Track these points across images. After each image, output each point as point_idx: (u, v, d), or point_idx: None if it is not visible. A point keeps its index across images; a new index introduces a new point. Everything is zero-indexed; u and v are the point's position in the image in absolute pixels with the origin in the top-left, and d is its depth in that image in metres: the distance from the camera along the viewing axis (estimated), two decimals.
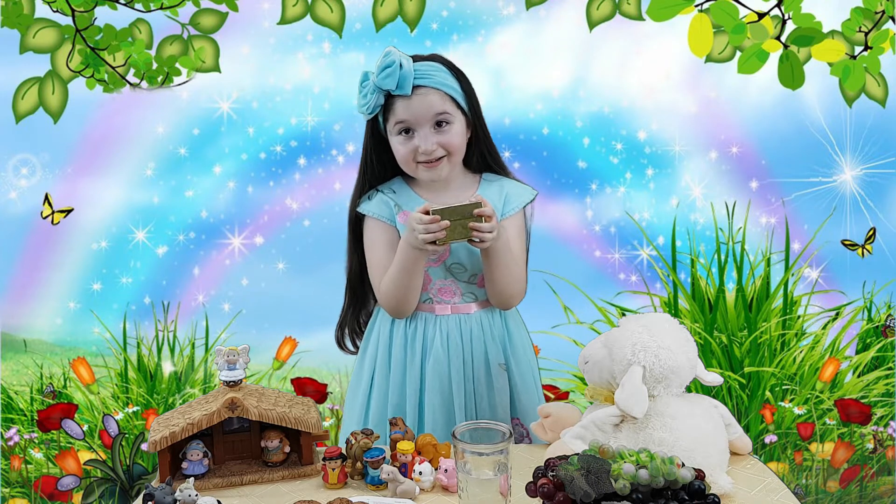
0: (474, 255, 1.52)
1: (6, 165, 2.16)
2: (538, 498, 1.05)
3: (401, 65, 1.44)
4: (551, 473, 1.05)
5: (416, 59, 1.49)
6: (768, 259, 2.30)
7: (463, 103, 1.51)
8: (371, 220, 1.56)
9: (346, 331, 1.67)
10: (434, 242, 1.40)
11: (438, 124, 1.48)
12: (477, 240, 1.42)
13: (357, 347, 1.67)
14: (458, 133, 1.50)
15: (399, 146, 1.50)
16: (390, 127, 1.51)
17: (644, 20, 2.18)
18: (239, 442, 1.34)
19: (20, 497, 2.24)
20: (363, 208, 1.57)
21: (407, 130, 1.49)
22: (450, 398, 1.53)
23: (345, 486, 1.26)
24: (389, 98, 1.48)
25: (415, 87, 1.46)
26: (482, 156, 1.59)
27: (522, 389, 1.58)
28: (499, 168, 1.61)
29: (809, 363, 2.32)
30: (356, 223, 1.60)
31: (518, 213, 1.58)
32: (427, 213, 1.40)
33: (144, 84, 2.12)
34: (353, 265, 1.63)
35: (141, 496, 1.15)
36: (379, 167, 1.58)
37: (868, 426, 2.34)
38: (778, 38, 2.17)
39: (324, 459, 1.25)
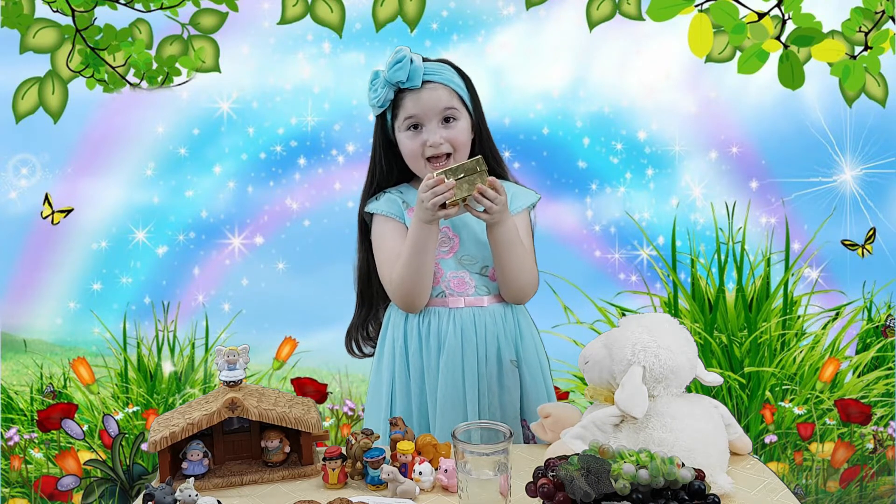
0: (484, 246, 1.53)
1: (6, 165, 2.16)
2: (538, 498, 1.05)
3: (411, 60, 1.49)
4: (551, 473, 1.05)
5: (424, 60, 1.53)
6: (768, 259, 2.30)
7: (468, 103, 1.55)
8: (380, 218, 1.58)
9: (355, 337, 1.68)
10: (444, 207, 1.41)
11: (446, 120, 1.52)
12: (481, 209, 1.43)
13: (363, 353, 1.68)
14: (463, 130, 1.54)
15: (407, 141, 1.53)
16: (399, 124, 1.53)
17: (644, 20, 2.18)
18: (239, 442, 1.34)
19: (20, 497, 2.24)
20: (371, 207, 1.59)
21: (415, 126, 1.52)
22: (462, 396, 1.53)
23: (345, 486, 1.26)
24: (399, 94, 1.51)
25: (424, 82, 1.50)
26: (485, 158, 1.60)
27: (532, 390, 1.58)
28: (501, 171, 1.63)
29: (809, 363, 2.32)
30: (364, 226, 1.62)
31: (524, 211, 1.60)
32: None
33: (144, 84, 2.12)
34: (362, 267, 1.64)
35: (141, 496, 1.15)
36: (387, 169, 1.60)
37: (868, 426, 2.34)
38: (778, 38, 2.17)
39: (324, 459, 1.25)
